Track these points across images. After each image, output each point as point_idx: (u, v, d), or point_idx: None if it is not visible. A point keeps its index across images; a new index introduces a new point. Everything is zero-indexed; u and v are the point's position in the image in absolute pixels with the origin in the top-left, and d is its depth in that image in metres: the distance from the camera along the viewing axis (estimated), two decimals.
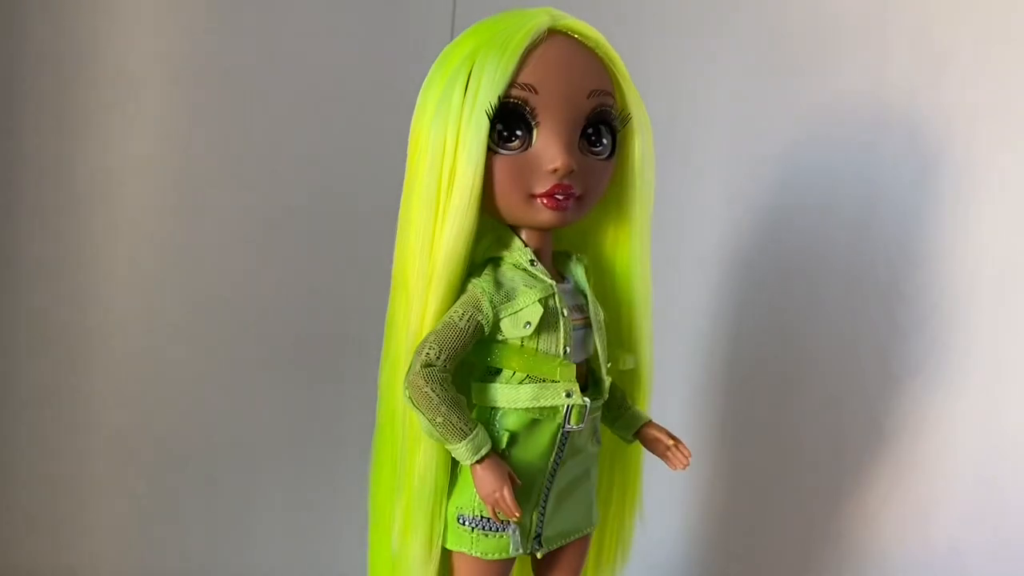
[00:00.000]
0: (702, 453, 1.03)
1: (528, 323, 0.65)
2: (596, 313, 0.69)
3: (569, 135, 0.64)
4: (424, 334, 0.65)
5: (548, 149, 0.64)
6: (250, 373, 1.09)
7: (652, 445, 0.73)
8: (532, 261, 0.67)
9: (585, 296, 0.70)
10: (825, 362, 0.96)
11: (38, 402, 1.02)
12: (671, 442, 0.72)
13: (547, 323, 0.66)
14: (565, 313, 0.67)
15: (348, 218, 1.05)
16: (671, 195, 0.87)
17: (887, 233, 0.92)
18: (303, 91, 1.10)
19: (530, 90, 0.63)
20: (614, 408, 0.74)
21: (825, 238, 0.96)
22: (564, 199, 0.65)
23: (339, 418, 1.07)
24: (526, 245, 0.68)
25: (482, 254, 0.68)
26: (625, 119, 0.68)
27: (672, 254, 1.03)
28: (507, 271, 0.67)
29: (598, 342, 0.69)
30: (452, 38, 0.70)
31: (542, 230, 0.68)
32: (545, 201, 0.65)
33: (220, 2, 1.05)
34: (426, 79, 0.67)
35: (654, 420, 0.74)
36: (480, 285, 0.66)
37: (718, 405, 1.04)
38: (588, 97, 0.65)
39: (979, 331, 0.89)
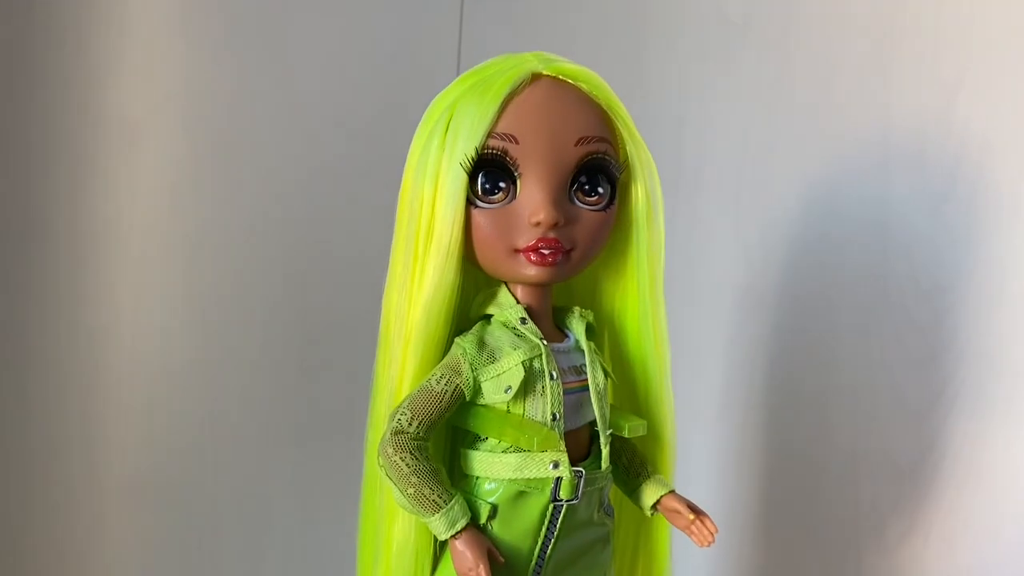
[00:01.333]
0: (731, 524, 1.00)
1: (509, 387, 0.62)
2: (595, 375, 0.65)
3: (554, 185, 0.61)
4: (402, 397, 0.62)
5: (531, 201, 0.61)
6: (259, 427, 1.10)
7: (673, 518, 0.68)
8: (523, 319, 0.64)
9: (586, 353, 0.65)
10: (846, 414, 0.92)
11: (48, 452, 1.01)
12: (692, 516, 0.67)
13: (531, 387, 0.62)
14: (553, 375, 0.63)
15: (361, 262, 1.03)
16: (681, 237, 0.84)
17: (900, 264, 0.88)
18: (309, 131, 1.09)
19: (509, 140, 0.60)
20: (631, 476, 0.69)
21: (839, 271, 0.93)
22: (550, 254, 0.62)
23: (352, 476, 1.05)
24: (518, 302, 0.65)
25: (476, 310, 0.66)
26: (623, 166, 0.64)
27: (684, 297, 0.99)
28: (495, 330, 0.64)
29: (595, 407, 0.64)
30: (458, 64, 0.69)
31: (533, 286, 0.65)
32: (530, 256, 0.62)
33: (222, 45, 1.05)
34: (417, 129, 0.65)
35: (678, 490, 0.69)
36: (462, 345, 0.63)
37: (746, 468, 1.00)
38: (576, 144, 0.61)
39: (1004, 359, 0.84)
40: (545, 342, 0.63)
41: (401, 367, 0.63)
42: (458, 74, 0.66)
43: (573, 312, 0.68)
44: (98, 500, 1.02)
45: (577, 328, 0.67)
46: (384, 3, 1.15)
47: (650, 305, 0.67)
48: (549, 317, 0.67)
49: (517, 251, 0.62)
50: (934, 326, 0.86)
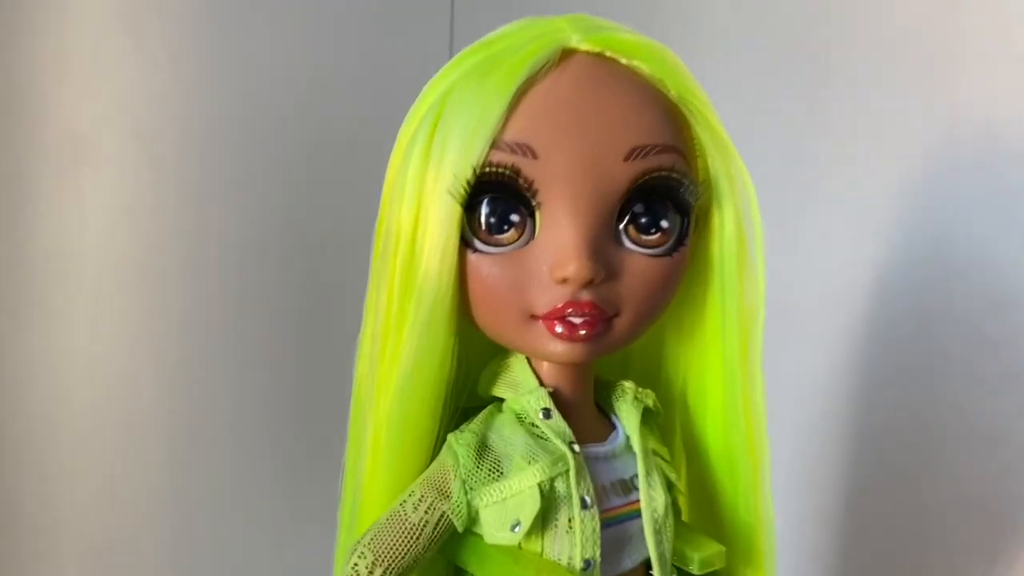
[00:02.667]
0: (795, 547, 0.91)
1: (517, 523, 0.43)
2: (652, 495, 0.46)
3: (591, 221, 0.43)
4: (367, 511, 0.46)
5: (555, 244, 0.43)
6: (231, 485, 1.03)
7: None
8: (545, 411, 0.45)
9: (639, 460, 0.47)
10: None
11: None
12: None
13: (553, 519, 0.44)
14: (587, 502, 0.44)
15: (343, 285, 0.96)
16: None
17: (969, 275, 0.82)
18: (282, 140, 1.03)
19: (523, 152, 0.42)
20: None
21: (900, 284, 0.87)
22: (583, 323, 0.43)
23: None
24: (541, 383, 0.46)
25: (484, 387, 0.48)
26: (703, 187, 0.45)
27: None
28: (506, 425, 0.46)
29: (651, 544, 0.46)
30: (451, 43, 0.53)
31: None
32: (554, 326, 0.43)
33: (178, 43, 0.97)
34: (400, 131, 0.48)
35: None
36: (455, 450, 0.45)
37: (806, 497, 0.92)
38: (628, 158, 0.42)
39: None
40: (576, 447, 0.45)
41: (369, 474, 0.46)
42: (451, 55, 0.47)
43: (624, 391, 0.49)
44: (54, 571, 0.95)
45: (628, 417, 0.48)
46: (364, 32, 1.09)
47: (741, 383, 0.49)
48: (588, 401, 0.49)
49: (535, 317, 0.44)
50: (1008, 342, 0.79)
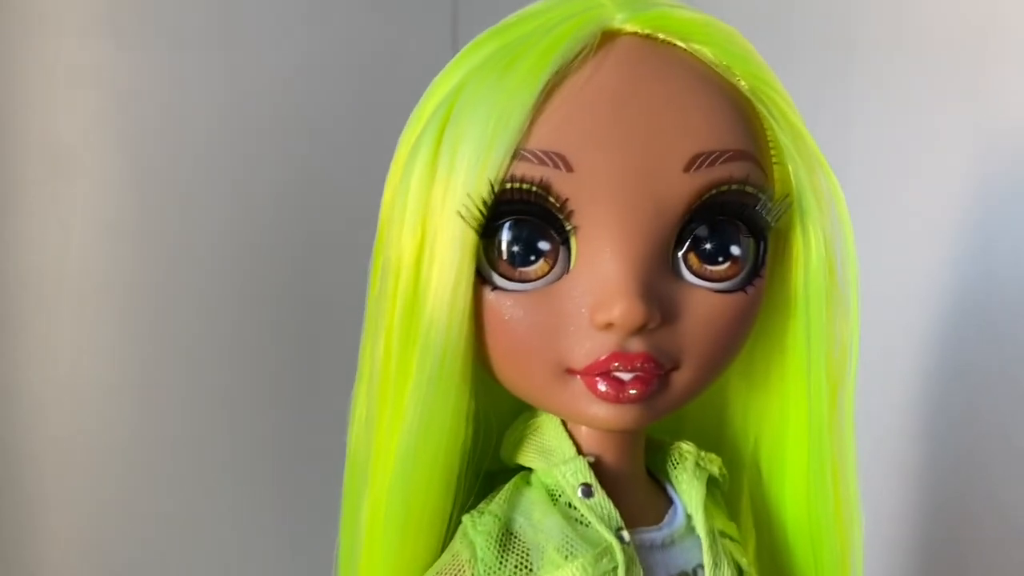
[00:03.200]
0: None
1: None
2: None
3: (641, 249, 0.35)
4: None
5: (595, 280, 0.35)
6: (226, 521, 0.99)
7: None
8: (586, 488, 0.37)
9: (705, 547, 0.39)
10: None
11: None
12: None
13: None
14: None
15: (341, 306, 0.95)
16: None
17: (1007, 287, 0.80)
18: (275, 149, 0.99)
19: (555, 163, 0.34)
20: None
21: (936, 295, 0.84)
22: (634, 381, 0.35)
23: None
24: (579, 452, 0.38)
25: (508, 453, 0.40)
26: (784, 204, 0.37)
27: None
28: (536, 505, 0.38)
29: None
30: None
31: None
32: (596, 385, 0.35)
33: (166, 47, 0.94)
34: (401, 135, 0.39)
35: None
36: (473, 538, 0.37)
37: None
38: (689, 169, 0.35)
39: None
40: (626, 535, 0.37)
41: (366, 565, 0.39)
42: (455, 47, 0.39)
43: (683, 456, 0.42)
44: None
45: (690, 491, 0.40)
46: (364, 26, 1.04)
47: (829, 444, 0.41)
48: (639, 471, 0.41)
49: (572, 372, 0.36)
50: None
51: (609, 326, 0.34)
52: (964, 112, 0.82)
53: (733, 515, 0.44)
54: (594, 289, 0.35)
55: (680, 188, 0.34)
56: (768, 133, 0.37)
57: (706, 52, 0.36)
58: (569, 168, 0.34)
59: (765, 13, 0.94)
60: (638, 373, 0.35)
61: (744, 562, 0.41)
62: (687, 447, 0.42)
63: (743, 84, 0.36)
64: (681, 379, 0.36)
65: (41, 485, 0.91)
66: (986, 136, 0.80)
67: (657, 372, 0.35)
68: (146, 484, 0.96)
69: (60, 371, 0.91)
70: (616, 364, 0.35)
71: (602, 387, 0.35)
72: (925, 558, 0.88)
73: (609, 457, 0.39)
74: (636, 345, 0.35)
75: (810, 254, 0.38)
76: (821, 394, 0.40)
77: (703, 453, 0.42)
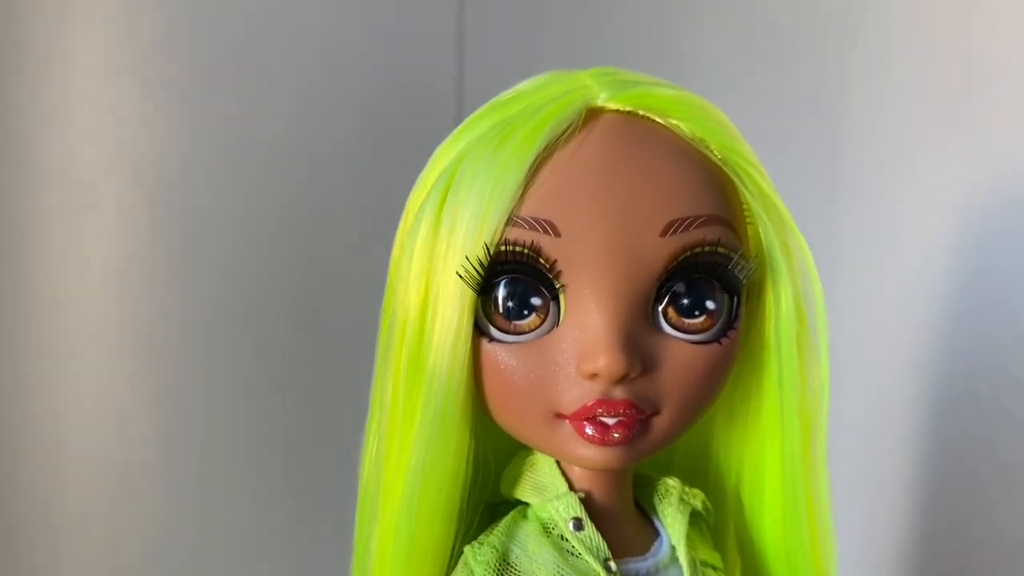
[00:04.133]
0: None
1: None
2: None
3: (623, 306, 0.38)
4: None
5: (583, 333, 0.38)
6: (241, 544, 1.00)
7: None
8: (577, 522, 0.40)
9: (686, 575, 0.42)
10: None
11: None
12: None
13: None
14: None
15: (356, 346, 0.95)
16: None
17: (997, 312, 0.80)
18: (291, 184, 1.00)
19: (544, 229, 0.37)
20: None
21: (928, 322, 0.84)
22: (617, 425, 0.38)
23: None
24: (571, 488, 0.41)
25: (507, 489, 0.43)
26: (754, 263, 0.40)
27: None
28: (531, 537, 0.41)
29: None
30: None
31: None
32: (583, 429, 0.38)
33: (184, 86, 0.95)
34: (408, 199, 0.43)
35: None
36: (473, 567, 0.40)
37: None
38: (665, 233, 0.38)
39: None
40: (613, 566, 0.40)
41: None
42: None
43: (668, 490, 0.44)
44: None
45: (673, 524, 0.43)
46: (369, 19, 1.05)
47: (803, 480, 0.43)
48: (627, 506, 0.43)
49: (562, 416, 0.39)
50: None
51: (594, 376, 0.37)
52: (954, 155, 0.82)
53: (720, 545, 0.47)
54: (581, 342, 0.38)
55: (658, 251, 0.38)
56: (741, 198, 0.40)
57: (682, 127, 0.39)
58: (557, 233, 0.37)
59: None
60: (621, 418, 0.38)
61: None
62: (672, 483, 0.44)
63: (716, 155, 0.39)
64: (661, 423, 0.39)
65: (63, 505, 0.92)
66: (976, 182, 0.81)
67: (639, 417, 0.38)
68: (165, 501, 0.96)
69: (81, 396, 0.92)
70: (601, 410, 0.38)
71: (589, 431, 0.38)
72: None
73: (598, 493, 0.42)
74: (619, 393, 0.38)
75: (780, 307, 0.41)
76: (794, 433, 0.43)
77: (687, 488, 0.44)
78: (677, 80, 0.44)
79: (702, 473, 0.47)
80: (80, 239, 0.90)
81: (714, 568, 0.44)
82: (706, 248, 0.38)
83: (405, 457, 0.40)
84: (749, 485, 0.45)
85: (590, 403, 0.38)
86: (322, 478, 0.96)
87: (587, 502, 0.41)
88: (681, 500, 0.44)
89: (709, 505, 0.45)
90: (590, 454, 0.39)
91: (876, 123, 0.86)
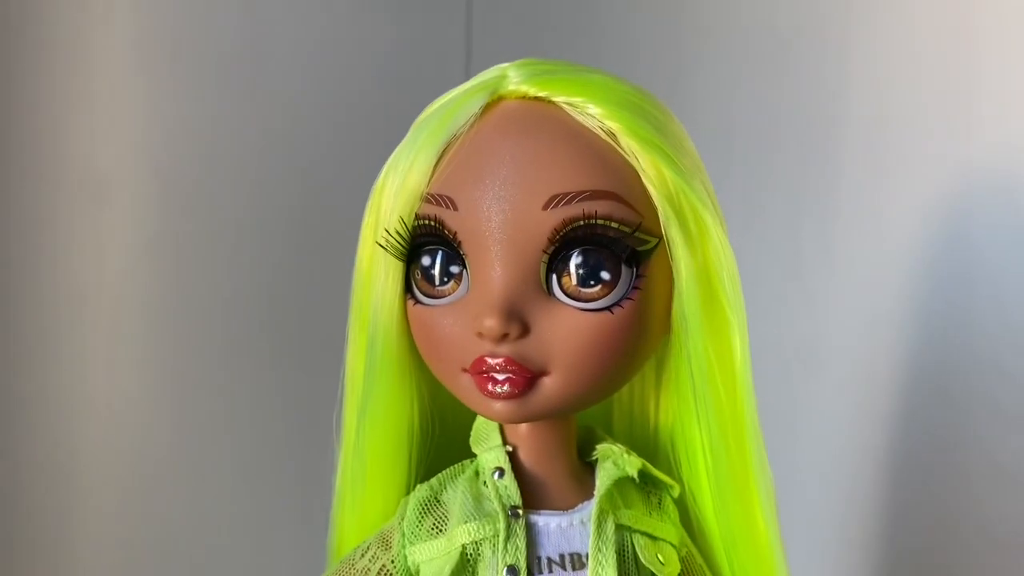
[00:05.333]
0: None
1: None
2: (600, 573, 0.43)
3: (512, 272, 0.41)
4: (338, 556, 0.48)
5: (480, 297, 0.42)
6: (255, 526, 1.01)
7: None
8: (499, 471, 0.44)
9: (592, 532, 0.44)
10: None
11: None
12: None
13: None
14: (516, 569, 0.42)
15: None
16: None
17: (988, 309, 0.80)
18: (303, 175, 1.02)
19: (445, 204, 0.42)
20: None
21: (917, 318, 0.85)
22: (505, 381, 0.42)
23: None
24: (504, 441, 0.45)
25: (471, 441, 0.47)
26: (648, 235, 0.42)
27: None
28: (463, 481, 0.45)
29: None
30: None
31: None
32: (481, 383, 0.42)
33: (198, 79, 0.97)
34: None
35: None
36: (407, 503, 0.45)
37: (826, 531, 0.90)
38: (547, 207, 0.41)
39: None
40: (520, 512, 0.43)
41: (339, 521, 0.49)
42: (468, 74, 0.48)
43: (605, 455, 0.46)
44: None
45: (600, 485, 0.45)
46: (378, 19, 1.07)
47: (728, 461, 0.45)
48: (560, 462, 0.46)
49: (465, 371, 0.43)
50: None
51: (481, 334, 0.42)
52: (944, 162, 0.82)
53: (686, 523, 0.48)
54: (477, 304, 0.42)
55: (541, 223, 0.41)
56: (641, 173, 0.42)
57: (572, 106, 0.42)
58: (455, 207, 0.42)
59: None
60: (508, 375, 0.42)
61: (658, 560, 0.45)
62: (612, 447, 0.47)
63: (613, 129, 0.42)
64: (552, 384, 0.42)
65: (76, 493, 0.94)
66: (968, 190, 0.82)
67: (523, 375, 0.42)
68: (177, 491, 0.98)
69: (97, 384, 0.94)
70: (486, 368, 0.42)
71: (482, 384, 0.42)
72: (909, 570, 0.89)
73: (526, 448, 0.46)
74: (503, 350, 0.42)
75: (680, 281, 0.43)
76: (708, 411, 0.45)
77: (626, 455, 0.46)
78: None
79: (651, 448, 0.50)
80: (98, 229, 0.92)
81: (650, 536, 0.46)
82: (589, 221, 0.41)
83: (354, 402, 0.47)
84: (686, 465, 0.48)
85: (476, 359, 0.42)
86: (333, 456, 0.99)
87: (516, 455, 0.45)
88: (614, 464, 0.46)
89: (659, 474, 0.47)
90: (484, 406, 0.43)
91: (871, 119, 0.86)
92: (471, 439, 0.47)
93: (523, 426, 0.45)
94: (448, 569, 0.42)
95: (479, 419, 0.47)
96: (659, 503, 0.48)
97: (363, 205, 1.05)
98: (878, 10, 0.85)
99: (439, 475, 0.46)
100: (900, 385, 0.87)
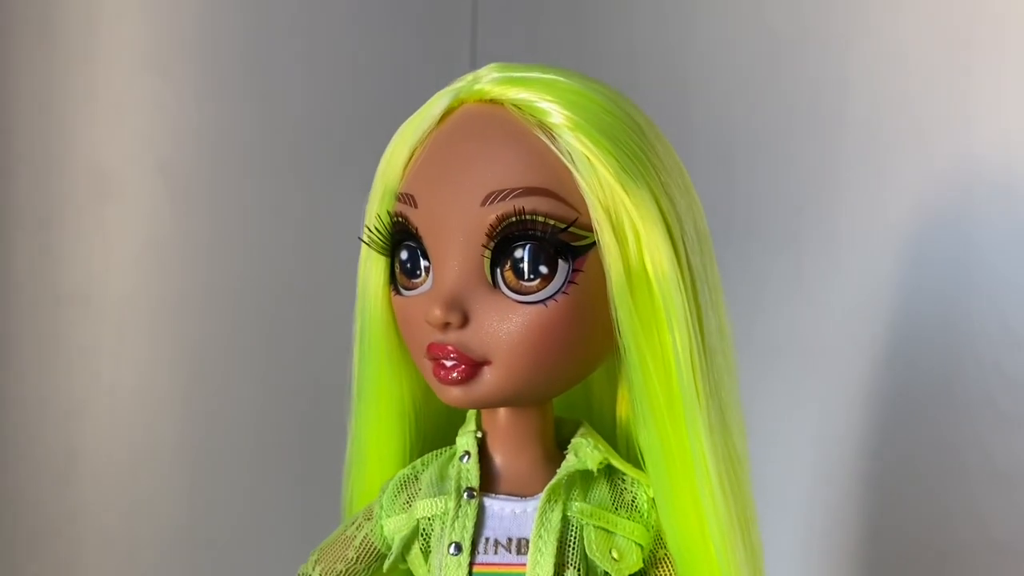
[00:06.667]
0: None
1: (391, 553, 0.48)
2: (537, 561, 0.44)
3: (457, 265, 0.44)
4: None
5: (432, 289, 0.46)
6: (259, 526, 1.02)
7: None
8: (466, 454, 0.47)
9: (535, 519, 0.45)
10: None
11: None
12: None
13: (433, 559, 0.46)
14: (459, 547, 0.45)
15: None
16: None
17: (987, 311, 0.80)
18: (310, 175, 1.03)
19: (408, 201, 0.45)
20: None
21: (916, 320, 0.85)
22: (452, 367, 0.44)
23: None
24: (478, 428, 0.48)
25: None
26: (581, 231, 0.43)
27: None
28: (442, 462, 0.49)
29: None
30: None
31: None
32: (434, 369, 0.45)
33: (205, 77, 0.97)
34: None
35: None
36: (392, 480, 0.50)
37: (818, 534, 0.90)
38: (485, 203, 0.43)
39: None
40: (474, 494, 0.46)
41: (349, 485, 0.53)
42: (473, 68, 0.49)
43: (572, 446, 0.47)
44: None
45: (559, 472, 0.46)
46: (384, 20, 1.07)
47: (682, 463, 0.44)
48: (532, 449, 0.48)
49: (423, 357, 0.46)
50: None
51: (430, 323, 0.44)
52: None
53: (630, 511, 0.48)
54: (429, 296, 0.45)
55: (480, 219, 0.43)
56: (579, 170, 0.43)
57: (524, 110, 0.44)
58: (415, 205, 0.45)
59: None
60: (454, 362, 0.44)
61: (610, 558, 0.45)
62: (583, 440, 0.48)
63: (551, 135, 0.43)
64: (496, 373, 0.44)
65: (80, 490, 0.94)
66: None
67: (466, 363, 0.44)
68: (182, 490, 0.98)
69: (101, 380, 0.94)
70: (434, 352, 0.45)
71: (436, 369, 0.45)
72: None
73: (495, 434, 0.48)
74: (448, 338, 0.44)
75: (610, 279, 0.43)
76: (649, 416, 0.45)
77: (594, 449, 0.47)
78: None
79: (618, 443, 0.51)
80: (104, 225, 0.93)
81: (607, 531, 0.46)
82: (524, 217, 0.42)
83: (361, 389, 0.51)
84: (648, 462, 0.47)
85: (428, 344, 0.45)
86: (342, 452, 0.99)
87: (485, 441, 0.48)
88: (575, 455, 0.47)
89: (635, 474, 0.48)
90: (439, 390, 0.46)
91: (870, 116, 0.86)
92: (464, 424, 0.50)
93: (499, 413, 0.47)
94: (400, 538, 0.47)
95: None
96: (633, 500, 0.48)
97: (365, 203, 1.06)
98: (876, 9, 0.86)
99: (425, 456, 0.50)
100: (897, 384, 0.88)
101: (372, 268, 0.48)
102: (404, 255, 0.46)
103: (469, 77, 0.46)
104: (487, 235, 0.43)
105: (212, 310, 0.99)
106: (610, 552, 0.46)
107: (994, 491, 0.80)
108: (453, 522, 0.45)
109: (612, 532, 0.46)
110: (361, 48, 1.06)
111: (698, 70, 0.99)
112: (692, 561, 0.46)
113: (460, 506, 0.46)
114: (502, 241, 0.43)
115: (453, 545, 0.45)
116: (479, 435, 0.48)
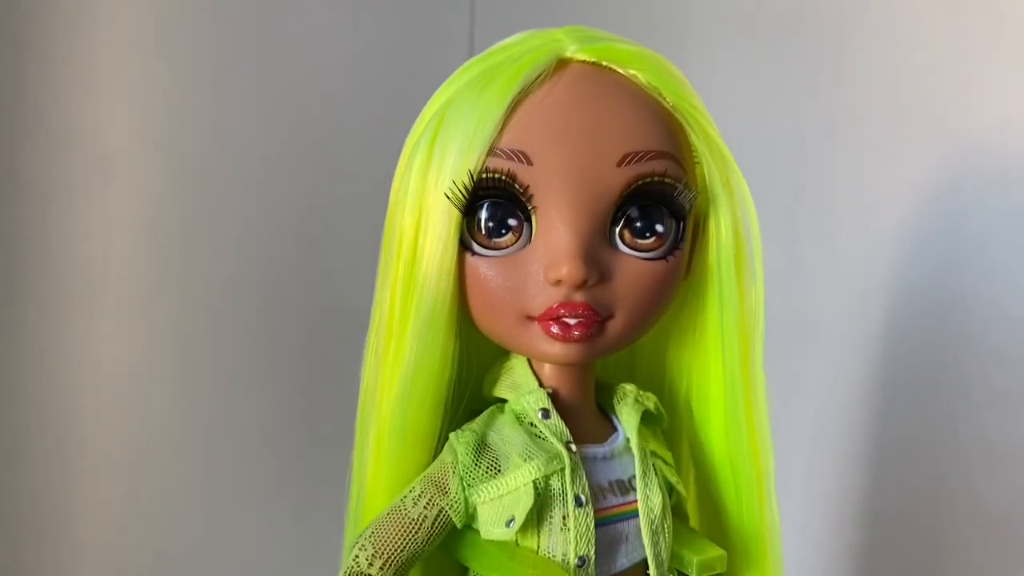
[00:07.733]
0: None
1: (512, 518, 0.45)
2: (649, 496, 0.47)
3: (585, 225, 0.44)
4: (371, 508, 0.48)
5: (550, 248, 0.44)
6: (258, 501, 1.01)
7: None
8: (544, 412, 0.47)
9: (637, 461, 0.48)
10: None
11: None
12: None
13: (547, 516, 0.45)
14: (582, 500, 0.45)
15: (356, 296, 0.96)
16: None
17: (983, 292, 0.81)
18: (308, 156, 1.02)
19: (519, 159, 0.44)
20: None
21: (912, 301, 0.85)
22: (577, 324, 0.45)
23: None
24: (541, 385, 0.48)
25: (488, 390, 0.50)
26: (697, 192, 0.46)
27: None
28: (506, 425, 0.47)
29: (648, 545, 0.47)
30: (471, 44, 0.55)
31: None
32: (549, 328, 0.45)
33: (205, 60, 0.97)
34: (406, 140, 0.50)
35: None
36: (455, 448, 0.47)
37: (820, 506, 0.91)
38: (621, 164, 0.44)
39: None
40: (574, 447, 0.47)
41: (373, 473, 0.48)
42: (471, 55, 0.50)
43: (625, 393, 0.51)
44: None
45: (628, 419, 0.49)
46: (384, 10, 1.08)
47: (743, 390, 0.49)
48: (588, 403, 0.50)
49: (531, 319, 0.46)
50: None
51: (559, 283, 0.45)
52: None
53: (674, 449, 0.53)
54: (548, 254, 0.45)
55: (614, 178, 0.45)
56: (689, 138, 0.47)
57: (639, 76, 0.46)
58: (529, 163, 0.44)
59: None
60: (580, 319, 0.45)
61: (674, 479, 0.50)
62: (629, 387, 0.51)
63: (668, 101, 0.46)
64: (615, 326, 0.46)
65: (80, 462, 0.93)
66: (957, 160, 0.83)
67: (595, 319, 0.45)
68: (180, 460, 0.98)
69: (102, 356, 0.94)
70: (564, 312, 0.45)
71: (554, 329, 0.45)
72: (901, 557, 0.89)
73: (564, 390, 0.49)
74: (579, 297, 0.45)
75: (721, 234, 0.48)
76: (733, 348, 0.49)
77: (642, 392, 0.51)
78: (681, 68, 0.50)
79: (658, 384, 0.54)
80: (105, 203, 0.92)
81: (664, 461, 0.50)
82: (655, 178, 0.45)
83: (400, 355, 0.47)
84: (697, 396, 0.52)
85: (554, 305, 0.45)
86: (335, 427, 0.96)
87: (554, 397, 0.48)
88: (636, 400, 0.50)
89: (662, 409, 0.52)
90: (554, 350, 0.46)
91: (867, 110, 0.87)
92: (494, 388, 0.50)
93: (572, 369, 0.49)
94: (525, 505, 0.45)
95: (506, 367, 0.50)
96: (659, 432, 0.52)
97: (364, 189, 1.03)
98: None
99: (474, 422, 0.48)
100: (893, 364, 0.88)
101: (441, 228, 0.45)
102: (486, 214, 0.45)
103: (548, 36, 0.47)
104: (620, 194, 0.45)
105: (210, 284, 0.99)
106: (675, 477, 0.50)
107: (987, 466, 0.81)
108: (571, 477, 0.46)
109: (669, 463, 0.51)
110: (362, 38, 1.07)
111: (696, 53, 1.00)
112: (747, 467, 0.51)
113: (573, 460, 0.46)
114: (626, 201, 0.45)
115: (577, 498, 0.46)
116: (549, 391, 0.48)
